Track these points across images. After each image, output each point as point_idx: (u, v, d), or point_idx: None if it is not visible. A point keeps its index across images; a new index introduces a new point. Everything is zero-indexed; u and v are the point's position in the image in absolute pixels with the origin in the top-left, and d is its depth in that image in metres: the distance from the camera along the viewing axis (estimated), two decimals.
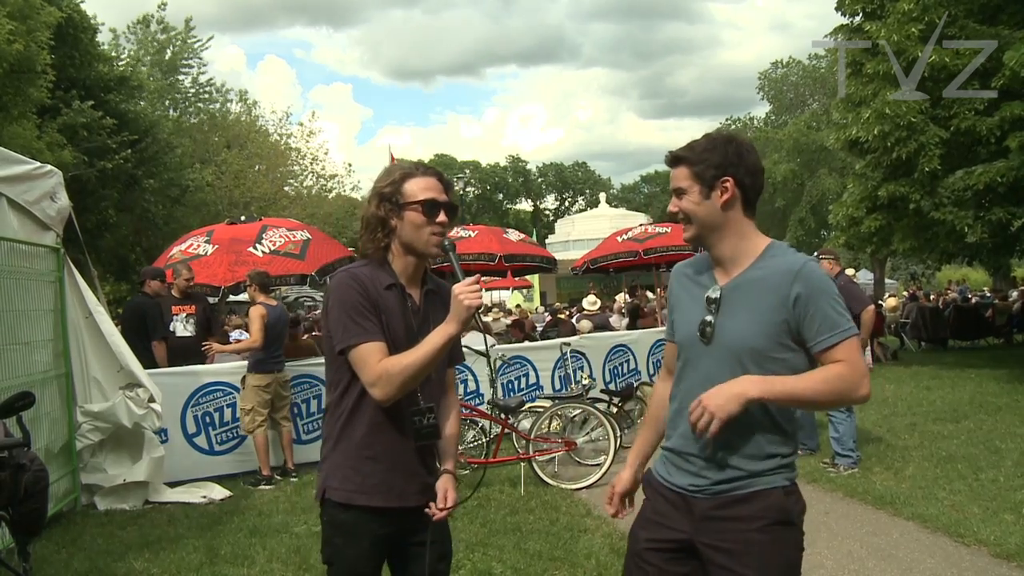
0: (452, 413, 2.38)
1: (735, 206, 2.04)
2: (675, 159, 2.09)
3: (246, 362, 6.76)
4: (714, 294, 2.05)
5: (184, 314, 7.27)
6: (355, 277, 2.18)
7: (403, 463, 2.21)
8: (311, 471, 6.76)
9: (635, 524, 2.18)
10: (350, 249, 10.36)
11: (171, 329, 7.12)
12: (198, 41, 27.42)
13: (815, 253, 7.16)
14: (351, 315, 2.12)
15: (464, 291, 2.04)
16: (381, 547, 2.24)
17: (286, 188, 30.34)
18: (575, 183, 68.67)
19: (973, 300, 20.03)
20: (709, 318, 2.04)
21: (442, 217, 2.19)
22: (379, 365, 2.09)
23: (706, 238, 2.09)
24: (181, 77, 27.83)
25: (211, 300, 8.18)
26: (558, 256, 13.53)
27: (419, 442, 2.21)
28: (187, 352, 7.10)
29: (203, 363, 7.22)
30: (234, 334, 9.25)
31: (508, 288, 25.43)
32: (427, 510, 2.20)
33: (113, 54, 23.84)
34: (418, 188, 2.20)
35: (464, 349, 8.33)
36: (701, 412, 1.92)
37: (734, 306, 2.03)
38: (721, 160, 2.02)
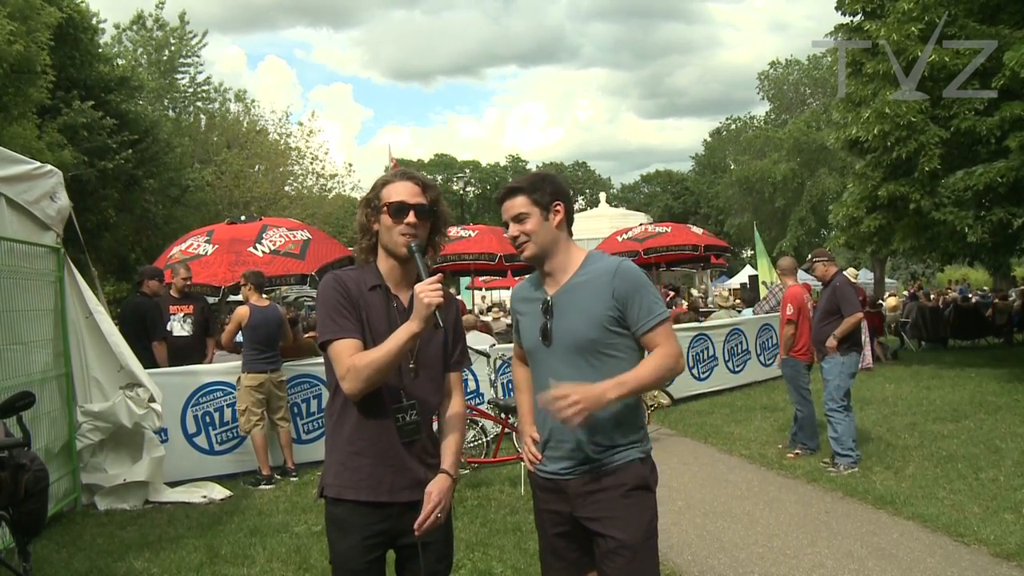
0: (454, 415, 2.39)
1: (563, 227, 2.44)
2: (512, 191, 2.44)
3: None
4: (547, 301, 2.41)
5: (181, 314, 7.28)
6: (338, 278, 2.29)
7: (390, 458, 2.24)
8: (311, 471, 6.77)
9: (537, 518, 2.56)
10: (350, 249, 10.36)
11: (168, 328, 7.12)
12: (195, 36, 27.40)
13: (809, 256, 7.16)
14: (329, 313, 2.23)
15: (424, 289, 2.12)
16: (376, 543, 2.26)
17: (286, 188, 30.31)
18: (575, 183, 68.61)
19: (973, 299, 20.03)
20: (546, 322, 2.39)
21: (410, 218, 2.26)
22: (348, 360, 2.17)
23: (543, 255, 2.42)
24: (179, 76, 27.81)
25: (211, 300, 8.18)
26: None
27: (402, 439, 2.24)
28: (184, 352, 7.10)
29: (200, 362, 7.22)
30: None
31: (508, 288, 25.44)
32: (415, 527, 2.20)
33: (114, 50, 23.84)
34: (392, 192, 2.30)
35: None
36: (571, 403, 2.19)
37: (566, 308, 2.39)
38: (553, 189, 2.43)
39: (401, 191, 2.29)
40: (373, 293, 2.28)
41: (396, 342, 2.14)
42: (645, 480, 2.37)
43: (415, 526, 2.18)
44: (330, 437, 2.32)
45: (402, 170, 2.41)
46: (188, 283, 7.39)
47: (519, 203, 2.41)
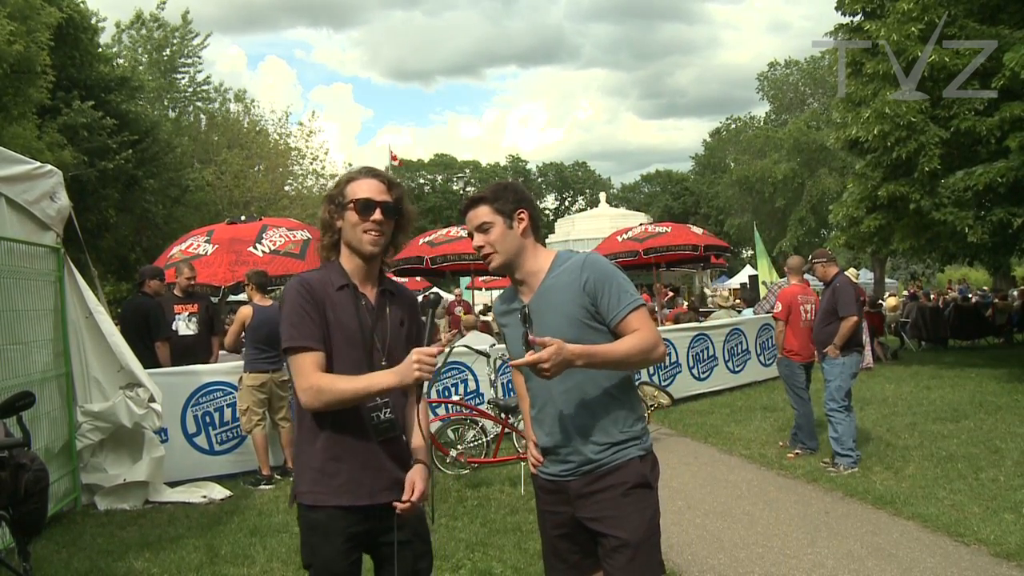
0: (419, 410, 2.38)
1: (528, 233, 2.42)
2: (474, 201, 2.43)
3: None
4: (524, 310, 2.37)
5: (186, 313, 7.31)
6: (304, 282, 2.26)
7: (368, 460, 2.23)
8: None
9: (539, 520, 2.55)
10: None
11: (174, 328, 7.16)
12: (196, 36, 27.41)
13: (809, 256, 7.16)
14: (292, 319, 2.20)
15: (421, 359, 2.11)
16: (356, 545, 2.25)
17: (286, 188, 30.34)
18: (575, 183, 68.59)
19: (973, 299, 20.04)
20: (526, 331, 2.33)
21: (376, 215, 2.25)
22: (313, 376, 2.15)
23: (512, 263, 2.42)
24: (179, 76, 27.82)
25: (212, 300, 8.20)
26: None
27: (378, 437, 2.23)
28: (189, 350, 7.12)
29: (206, 362, 7.23)
30: None
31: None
32: (394, 504, 2.21)
33: (114, 50, 23.86)
34: (357, 189, 2.29)
35: (465, 348, 8.26)
36: (540, 369, 2.21)
37: (542, 313, 2.36)
38: (515, 196, 2.42)
39: (367, 188, 2.28)
40: (341, 293, 2.26)
41: (368, 386, 2.14)
42: (645, 477, 2.36)
43: (398, 505, 2.19)
44: (302, 442, 2.28)
45: (367, 167, 2.40)
46: (192, 282, 7.42)
47: (482, 213, 2.40)
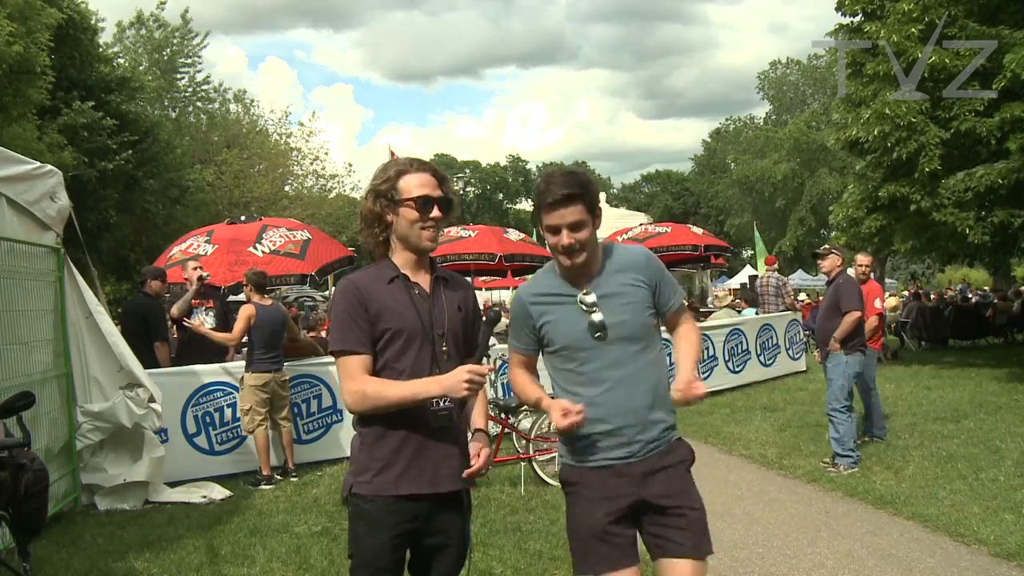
0: (480, 401, 2.43)
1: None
2: (572, 197, 2.31)
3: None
4: (591, 298, 2.38)
5: (203, 307, 7.38)
6: (352, 283, 2.26)
7: (429, 448, 2.24)
8: (311, 471, 6.77)
9: (584, 509, 2.42)
10: (350, 249, 10.38)
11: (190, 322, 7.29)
12: (196, 36, 27.38)
13: (827, 245, 7.10)
14: (339, 323, 2.23)
15: (470, 375, 2.13)
16: (403, 542, 2.25)
17: (286, 188, 30.30)
18: None
19: (973, 300, 20.02)
20: (597, 318, 2.37)
21: (435, 213, 2.24)
22: (359, 381, 2.18)
23: (588, 258, 2.39)
24: (179, 76, 27.78)
25: (228, 295, 8.26)
26: None
27: (434, 425, 2.23)
28: (208, 346, 7.19)
29: (223, 356, 7.28)
30: None
31: (508, 288, 25.43)
32: (465, 473, 2.25)
33: (115, 49, 23.85)
34: (413, 184, 2.24)
35: None
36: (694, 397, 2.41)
37: (612, 300, 2.40)
38: (595, 193, 2.40)
39: (423, 184, 2.25)
40: (392, 285, 2.26)
41: (411, 392, 2.17)
42: (692, 457, 2.51)
43: (465, 474, 2.25)
44: (362, 432, 2.29)
45: (412, 160, 2.34)
46: (199, 272, 7.48)
47: (578, 211, 2.32)
